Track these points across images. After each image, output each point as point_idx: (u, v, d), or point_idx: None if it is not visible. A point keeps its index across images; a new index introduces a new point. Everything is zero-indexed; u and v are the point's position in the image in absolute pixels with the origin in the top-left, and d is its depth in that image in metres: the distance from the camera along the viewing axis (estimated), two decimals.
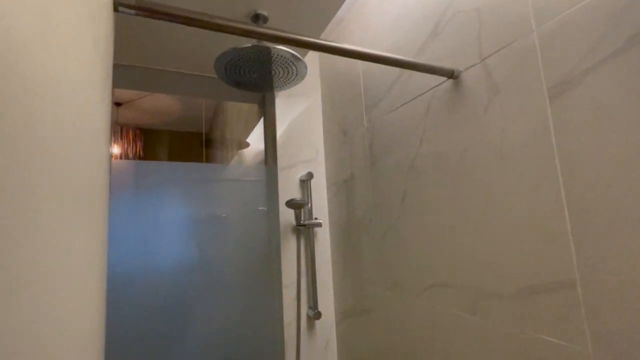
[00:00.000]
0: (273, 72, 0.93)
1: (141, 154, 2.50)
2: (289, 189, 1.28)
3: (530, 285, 0.57)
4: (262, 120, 1.51)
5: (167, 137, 2.75)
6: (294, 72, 0.96)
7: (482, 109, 0.67)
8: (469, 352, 0.68)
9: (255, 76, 0.91)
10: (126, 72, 1.25)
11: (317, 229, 1.28)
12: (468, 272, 0.69)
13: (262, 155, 1.45)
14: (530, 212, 0.58)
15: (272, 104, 1.34)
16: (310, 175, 1.26)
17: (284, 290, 1.22)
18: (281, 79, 0.97)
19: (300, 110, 1.36)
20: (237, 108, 2.02)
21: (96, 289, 0.41)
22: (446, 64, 0.75)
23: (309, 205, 1.26)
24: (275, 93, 1.33)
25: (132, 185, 1.18)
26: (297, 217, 1.21)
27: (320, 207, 1.31)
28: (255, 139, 1.59)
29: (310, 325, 1.23)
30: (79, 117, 0.28)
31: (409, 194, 0.88)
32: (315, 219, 1.25)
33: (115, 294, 1.08)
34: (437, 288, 0.77)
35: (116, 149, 2.31)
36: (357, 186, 1.11)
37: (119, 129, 2.43)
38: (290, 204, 1.13)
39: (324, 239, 1.29)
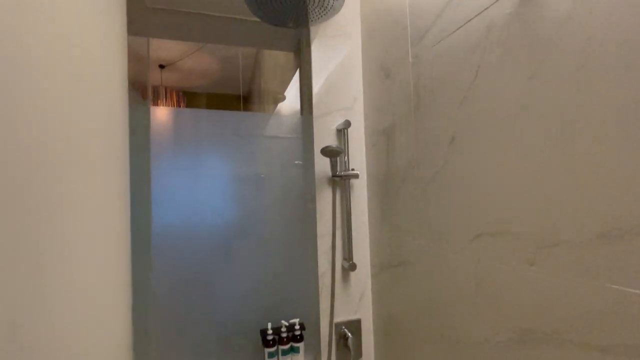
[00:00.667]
0: (307, 1, 0.83)
1: None
2: (324, 138, 1.22)
3: (609, 230, 0.47)
4: (297, 72, 1.43)
5: (207, 99, 2.80)
6: (330, 2, 0.86)
7: (556, 25, 0.54)
8: (518, 307, 0.61)
9: (289, 4, 0.82)
10: (157, 16, 1.22)
11: (353, 181, 1.22)
12: (527, 218, 0.60)
13: (298, 107, 1.39)
14: (617, 147, 0.46)
15: (308, 48, 1.25)
16: (347, 124, 1.18)
17: (319, 241, 1.21)
18: (316, 10, 0.88)
19: (337, 55, 1.25)
20: (273, 62, 1.95)
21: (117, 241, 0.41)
22: None
23: (346, 155, 1.19)
24: (312, 38, 1.23)
25: (173, 136, 1.19)
26: (333, 166, 1.15)
27: (358, 158, 1.24)
28: (292, 93, 1.53)
29: (345, 277, 1.22)
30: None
31: (458, 135, 0.77)
32: (352, 170, 1.19)
33: (160, 247, 1.14)
34: (486, 238, 0.68)
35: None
36: (399, 133, 1.02)
37: (163, 91, 2.50)
38: (326, 151, 1.08)
39: (360, 191, 1.23)
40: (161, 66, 2.45)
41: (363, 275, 1.23)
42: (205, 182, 1.21)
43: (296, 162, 1.34)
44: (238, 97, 2.65)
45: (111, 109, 0.55)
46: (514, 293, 0.62)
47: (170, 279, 1.14)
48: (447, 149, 0.80)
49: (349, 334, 1.18)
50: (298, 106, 1.40)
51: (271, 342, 1.14)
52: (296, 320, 1.18)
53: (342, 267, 1.21)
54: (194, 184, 1.20)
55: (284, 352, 1.14)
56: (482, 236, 0.69)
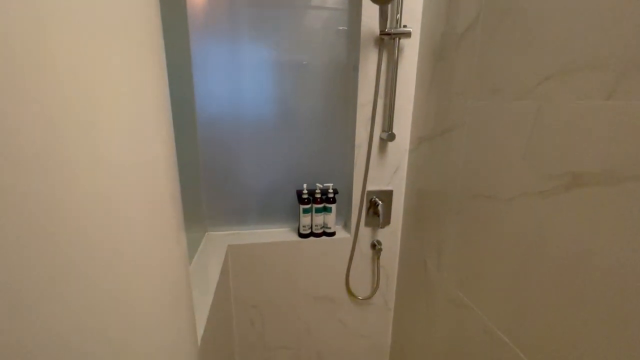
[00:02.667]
0: None
1: None
2: None
3: None
4: None
5: None
6: None
7: None
8: (579, 148, 0.55)
9: None
10: None
11: (403, 41, 1.09)
12: (609, 48, 0.48)
13: None
14: None
15: None
16: None
17: (359, 111, 1.16)
18: None
19: None
20: None
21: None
22: None
23: (399, 11, 1.04)
24: None
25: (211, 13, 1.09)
26: (383, 19, 1.01)
27: (412, 14, 1.07)
28: None
29: (382, 149, 1.20)
30: None
31: None
32: (404, 26, 1.05)
33: (204, 124, 1.16)
34: (556, 78, 0.59)
35: None
36: None
37: None
38: None
39: (410, 53, 1.11)
40: None
41: (401, 148, 1.21)
42: (247, 57, 1.16)
43: (340, 27, 1.20)
44: None
45: None
46: (578, 133, 0.56)
47: (216, 148, 1.21)
48: None
49: (380, 201, 1.23)
50: None
51: (306, 200, 1.22)
52: (330, 185, 1.23)
53: (380, 138, 1.19)
54: (235, 60, 1.15)
55: (317, 210, 1.24)
56: (552, 78, 0.60)
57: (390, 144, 1.20)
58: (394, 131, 1.14)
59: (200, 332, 0.75)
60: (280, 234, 1.31)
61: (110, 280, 0.30)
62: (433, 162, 1.04)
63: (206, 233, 1.30)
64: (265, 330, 1.34)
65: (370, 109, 1.14)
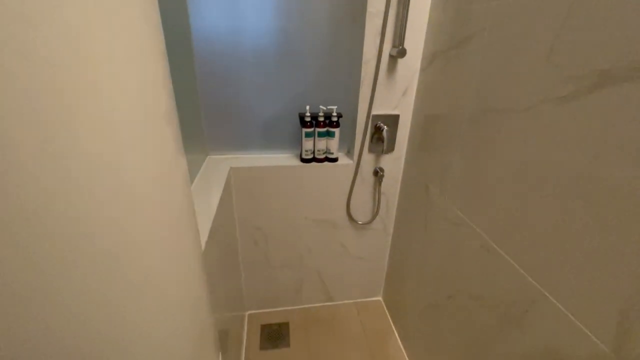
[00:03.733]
0: None
1: None
2: None
3: None
4: None
5: None
6: None
7: None
8: (614, 40, 0.49)
9: None
10: None
11: None
12: None
13: None
14: None
15: None
16: None
17: (368, 23, 1.05)
18: None
19: None
20: None
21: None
22: None
23: None
24: None
25: None
26: None
27: None
28: None
29: (391, 68, 1.12)
30: None
31: None
32: None
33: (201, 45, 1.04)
34: None
35: None
36: None
37: None
38: None
39: None
40: None
41: (411, 67, 1.12)
42: None
43: None
44: None
45: None
46: (614, 25, 0.49)
47: (215, 70, 1.12)
48: None
49: (385, 126, 1.18)
50: None
51: (309, 124, 1.18)
52: (334, 107, 1.18)
53: (390, 55, 1.09)
54: None
55: (320, 134, 1.20)
56: None
57: (400, 62, 1.11)
58: (405, 46, 1.05)
59: (204, 240, 0.77)
60: (283, 159, 1.29)
61: (110, 201, 0.29)
62: (446, 80, 0.97)
63: (208, 156, 1.29)
64: (268, 250, 1.41)
65: (381, 19, 1.03)
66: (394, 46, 1.08)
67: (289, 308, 1.60)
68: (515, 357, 0.72)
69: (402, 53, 1.04)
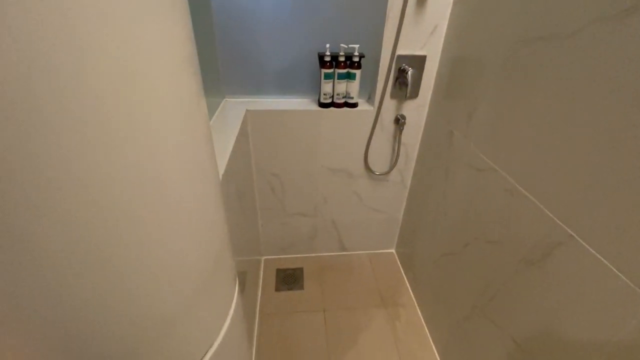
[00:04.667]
0: None
1: None
2: None
3: None
4: None
5: None
6: None
7: None
8: None
9: None
10: None
11: None
12: None
13: None
14: None
15: None
16: None
17: None
18: None
19: None
20: None
21: None
22: None
23: None
24: None
25: None
26: None
27: None
28: None
29: (421, 2, 1.02)
30: None
31: None
32: None
33: None
34: None
35: None
36: None
37: None
38: None
39: None
40: None
41: (442, 4, 1.02)
42: None
43: None
44: None
45: None
46: None
47: (232, 11, 1.04)
48: None
49: (410, 68, 1.10)
50: None
51: (328, 64, 1.12)
52: (356, 47, 1.10)
53: None
54: None
55: (340, 76, 1.14)
56: None
57: None
58: None
59: (220, 174, 0.77)
60: (300, 103, 1.25)
61: (144, 131, 0.30)
62: (482, 13, 0.87)
63: (224, 99, 1.27)
64: (284, 197, 1.42)
65: None
66: None
67: (304, 255, 1.64)
68: (534, 300, 0.71)
69: None
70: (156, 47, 0.31)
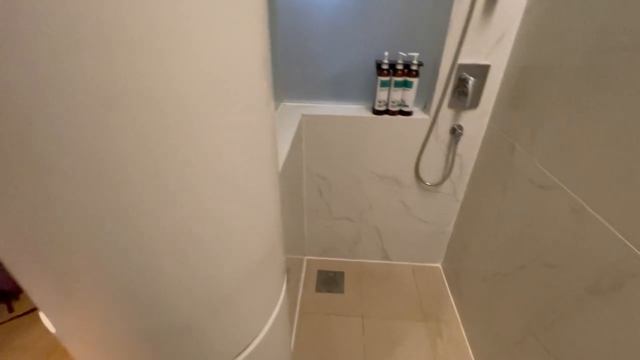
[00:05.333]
0: None
1: None
2: None
3: None
4: None
5: None
6: None
7: None
8: None
9: None
10: None
11: None
12: None
13: None
14: None
15: None
16: None
17: None
18: None
19: None
20: None
21: None
22: None
23: None
24: None
25: None
26: None
27: None
28: None
29: (489, 7, 0.98)
30: None
31: None
32: None
33: None
34: None
35: None
36: None
37: None
38: None
39: None
40: None
41: (514, 6, 0.97)
42: None
43: None
44: None
45: None
46: None
47: (292, 15, 1.11)
48: None
49: (471, 78, 1.07)
50: None
51: (385, 72, 1.13)
52: (415, 55, 1.10)
53: None
54: None
55: (397, 84, 1.15)
56: None
57: (500, 2, 0.97)
58: None
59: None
60: (354, 109, 1.27)
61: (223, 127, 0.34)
62: (557, 20, 0.82)
63: (282, 103, 1.34)
64: (331, 200, 1.45)
65: None
66: None
67: (345, 260, 1.66)
68: (600, 333, 0.65)
69: None
70: (241, 54, 0.35)
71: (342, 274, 1.59)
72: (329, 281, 1.56)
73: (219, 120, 0.34)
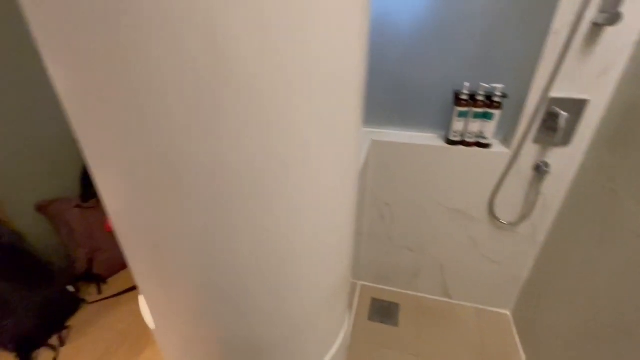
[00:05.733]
0: None
1: None
2: None
3: None
4: None
5: None
6: None
7: None
8: None
9: None
10: None
11: None
12: None
13: None
14: None
15: None
16: None
17: None
18: None
19: None
20: None
21: None
22: None
23: None
24: None
25: None
26: None
27: None
28: None
29: (591, 39, 0.90)
30: None
31: None
32: None
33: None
34: None
35: None
36: None
37: None
38: None
39: None
40: None
41: (622, 38, 0.88)
42: None
43: None
44: None
45: None
46: None
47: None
48: None
49: (562, 112, 0.98)
50: None
51: (464, 103, 1.09)
52: (499, 86, 1.05)
53: (593, 24, 0.88)
54: None
55: (476, 115, 1.10)
56: None
57: (605, 33, 0.88)
58: (620, 9, 0.82)
59: None
60: (427, 138, 1.24)
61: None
62: None
63: None
64: (393, 227, 1.42)
65: None
66: (601, 11, 0.86)
67: (402, 291, 1.59)
68: None
69: (614, 19, 0.82)
70: (346, 77, 0.37)
71: (397, 305, 1.52)
72: (383, 311, 1.50)
73: (327, 151, 0.36)
